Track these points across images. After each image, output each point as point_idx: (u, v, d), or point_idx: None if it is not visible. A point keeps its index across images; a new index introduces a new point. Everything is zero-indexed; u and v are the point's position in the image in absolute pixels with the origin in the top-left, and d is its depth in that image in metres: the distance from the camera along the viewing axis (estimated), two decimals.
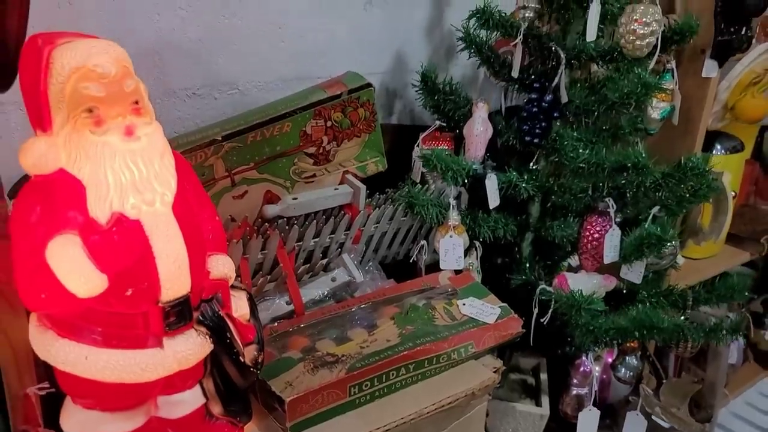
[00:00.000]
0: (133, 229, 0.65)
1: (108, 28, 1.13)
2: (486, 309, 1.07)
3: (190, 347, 0.72)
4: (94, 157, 0.63)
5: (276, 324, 1.02)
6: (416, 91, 1.34)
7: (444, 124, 1.32)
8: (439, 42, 1.58)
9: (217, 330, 0.75)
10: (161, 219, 0.67)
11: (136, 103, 0.68)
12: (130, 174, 0.65)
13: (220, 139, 1.09)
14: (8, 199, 0.95)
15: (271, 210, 1.11)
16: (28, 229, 0.64)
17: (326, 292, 1.09)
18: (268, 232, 1.06)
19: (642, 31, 1.07)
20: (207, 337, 0.74)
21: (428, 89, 1.32)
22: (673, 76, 1.21)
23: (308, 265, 1.12)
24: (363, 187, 1.16)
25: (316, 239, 1.13)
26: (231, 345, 0.77)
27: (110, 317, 0.68)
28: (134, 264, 0.66)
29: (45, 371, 0.81)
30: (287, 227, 1.10)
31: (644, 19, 1.07)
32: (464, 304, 1.07)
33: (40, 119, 0.65)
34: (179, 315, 0.70)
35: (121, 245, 0.64)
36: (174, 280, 0.68)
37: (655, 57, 1.12)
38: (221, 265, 0.77)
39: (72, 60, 0.63)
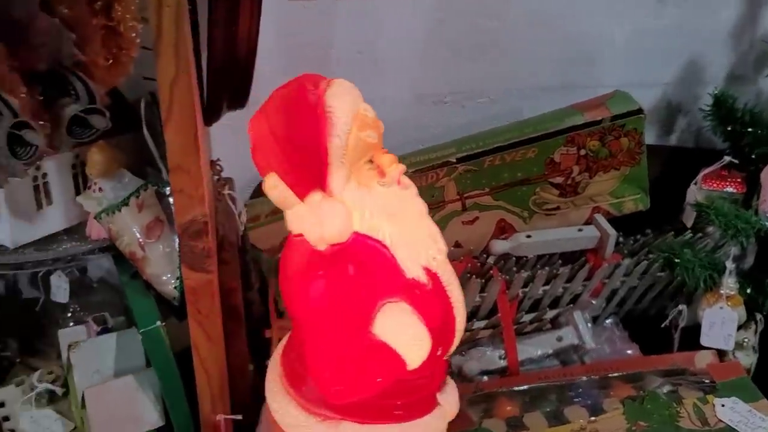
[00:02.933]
0: (439, 282, 0.56)
1: (359, 32, 1.10)
2: (753, 420, 0.82)
3: (454, 395, 0.63)
4: (393, 212, 0.54)
5: (485, 379, 0.91)
6: (704, 117, 1.09)
7: (735, 161, 1.05)
8: (747, 49, 1.27)
9: None
10: (448, 266, 0.57)
11: None
12: (423, 223, 0.56)
13: (454, 160, 0.99)
14: (243, 207, 0.98)
15: (500, 246, 0.99)
16: (345, 307, 0.53)
17: (549, 352, 0.94)
18: (491, 273, 0.94)
19: None
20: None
21: (721, 116, 1.05)
22: None
23: (532, 315, 0.98)
24: (614, 234, 0.97)
25: (546, 287, 0.98)
26: None
27: (398, 386, 0.57)
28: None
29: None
30: (514, 268, 0.96)
31: None
32: (723, 406, 0.84)
33: (316, 179, 0.53)
34: (449, 365, 0.64)
35: (440, 301, 0.56)
36: (462, 328, 0.59)
37: None
38: None
39: (350, 107, 0.53)
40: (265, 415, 0.61)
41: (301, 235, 0.53)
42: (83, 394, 0.75)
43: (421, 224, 0.54)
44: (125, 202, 0.77)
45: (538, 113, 1.10)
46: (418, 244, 0.53)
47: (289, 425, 0.55)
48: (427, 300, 0.53)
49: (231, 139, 0.93)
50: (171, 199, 0.78)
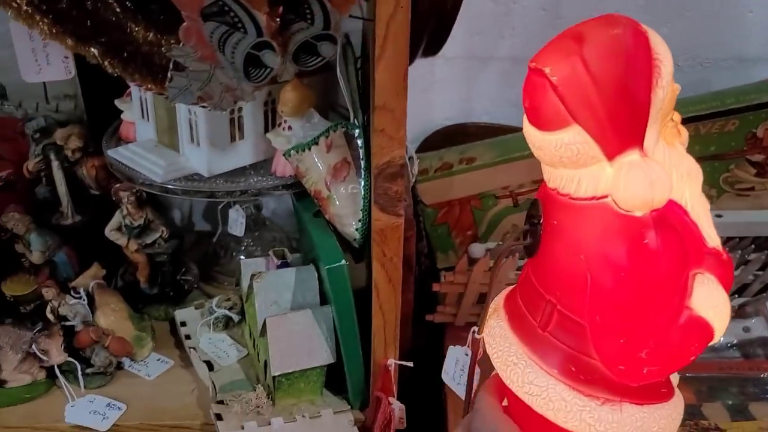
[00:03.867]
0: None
1: None
2: None
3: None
4: (694, 174, 0.47)
5: None
6: None
7: None
8: None
9: None
10: None
11: None
12: None
13: None
14: (415, 157, 0.97)
15: None
16: (666, 279, 0.46)
17: (732, 342, 0.87)
18: None
19: None
20: None
21: None
22: None
23: None
24: None
25: (735, 272, 0.90)
26: None
27: None
28: None
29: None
30: None
31: None
32: None
33: (632, 135, 0.45)
34: None
35: (731, 272, 0.49)
36: None
37: None
38: None
39: (671, 56, 0.45)
40: (485, 402, 0.56)
41: (594, 198, 0.48)
42: (264, 322, 0.77)
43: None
44: (315, 141, 0.78)
45: (728, 86, 1.01)
46: (707, 209, 0.47)
47: (560, 410, 0.48)
48: (724, 270, 0.48)
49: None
50: (359, 142, 0.78)
